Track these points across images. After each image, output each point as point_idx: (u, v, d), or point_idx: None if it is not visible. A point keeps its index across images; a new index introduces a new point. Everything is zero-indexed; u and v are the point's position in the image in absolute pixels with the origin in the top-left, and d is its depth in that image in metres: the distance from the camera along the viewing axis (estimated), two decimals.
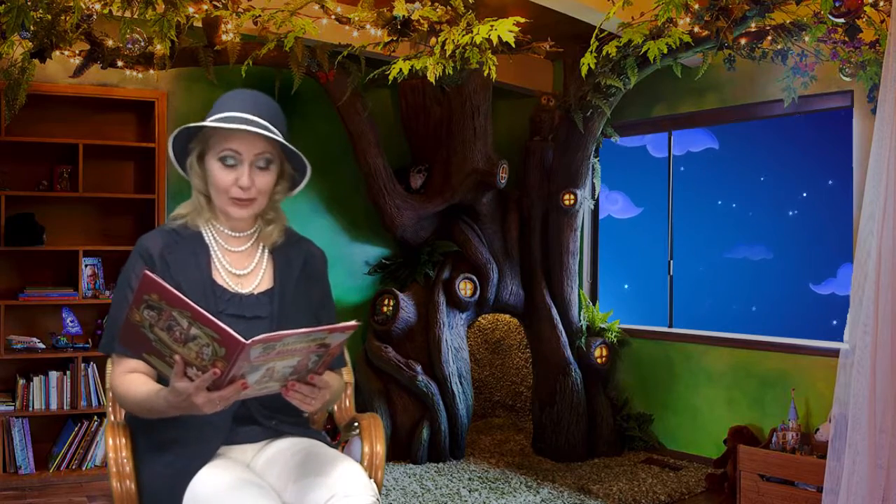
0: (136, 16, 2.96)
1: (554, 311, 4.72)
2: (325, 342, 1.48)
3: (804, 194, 4.87)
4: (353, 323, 1.50)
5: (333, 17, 3.33)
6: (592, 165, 4.91)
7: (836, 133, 4.46)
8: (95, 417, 4.07)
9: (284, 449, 1.79)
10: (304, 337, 1.43)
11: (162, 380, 1.66)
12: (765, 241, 5.09)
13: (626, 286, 5.50)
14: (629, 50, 3.37)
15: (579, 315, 4.84)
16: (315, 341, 1.46)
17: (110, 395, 1.90)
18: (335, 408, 2.19)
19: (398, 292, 4.58)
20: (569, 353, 4.66)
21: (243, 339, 1.36)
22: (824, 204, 4.74)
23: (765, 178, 5.02)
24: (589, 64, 3.12)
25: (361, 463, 1.94)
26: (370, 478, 1.72)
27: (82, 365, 4.06)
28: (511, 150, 4.93)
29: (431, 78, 3.02)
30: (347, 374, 2.11)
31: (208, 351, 1.41)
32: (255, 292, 1.82)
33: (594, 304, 5.21)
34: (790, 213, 4.92)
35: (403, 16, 3.09)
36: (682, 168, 5.19)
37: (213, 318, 1.38)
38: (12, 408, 3.93)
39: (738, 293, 5.23)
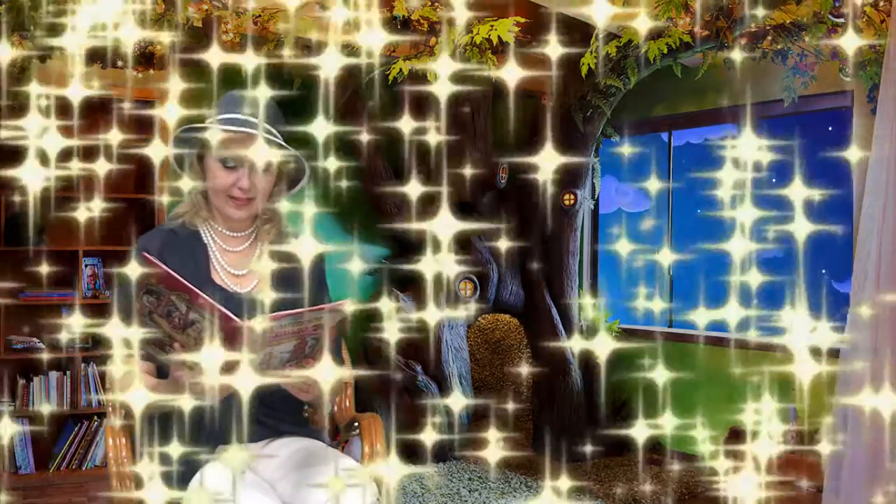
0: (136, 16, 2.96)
1: (554, 311, 4.72)
2: (321, 323, 1.50)
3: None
4: (347, 301, 1.52)
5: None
6: (592, 165, 4.91)
7: (837, 133, 4.44)
8: (95, 417, 4.07)
9: (284, 448, 1.79)
10: (300, 318, 1.45)
11: (162, 373, 1.67)
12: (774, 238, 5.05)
13: (626, 280, 5.48)
14: (629, 50, 3.37)
15: (579, 315, 4.84)
16: (311, 322, 1.47)
17: (110, 395, 1.90)
18: (335, 408, 2.19)
19: (398, 292, 4.58)
20: (569, 353, 4.66)
21: (240, 321, 1.37)
22: (827, 201, 4.72)
23: (765, 174, 4.98)
24: (589, 64, 3.12)
25: (361, 463, 1.94)
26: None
27: (82, 365, 4.06)
28: (511, 150, 4.92)
29: (431, 78, 3.02)
30: (347, 374, 2.11)
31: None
32: (253, 292, 1.82)
33: (594, 304, 5.20)
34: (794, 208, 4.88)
35: (403, 16, 3.09)
36: (682, 161, 5.16)
37: (210, 299, 1.39)
38: (12, 408, 3.93)
39: (748, 292, 5.18)
